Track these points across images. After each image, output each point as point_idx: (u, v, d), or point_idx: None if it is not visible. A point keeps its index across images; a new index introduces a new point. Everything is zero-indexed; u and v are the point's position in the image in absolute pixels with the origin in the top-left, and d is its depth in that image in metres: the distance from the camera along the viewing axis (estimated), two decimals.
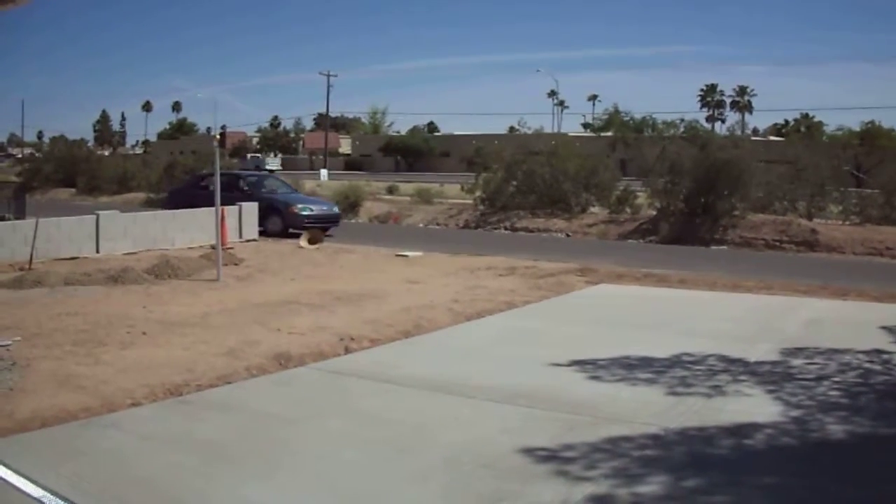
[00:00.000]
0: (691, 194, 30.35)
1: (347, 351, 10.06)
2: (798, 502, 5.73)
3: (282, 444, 6.69)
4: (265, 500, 5.62)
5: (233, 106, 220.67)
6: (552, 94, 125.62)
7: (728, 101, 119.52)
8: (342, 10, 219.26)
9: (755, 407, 7.94)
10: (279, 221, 26.85)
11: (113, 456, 6.33)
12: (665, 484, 5.88)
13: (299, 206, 27.73)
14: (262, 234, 25.61)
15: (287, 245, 21.86)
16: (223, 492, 5.75)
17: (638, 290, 15.92)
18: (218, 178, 16.91)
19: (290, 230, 26.20)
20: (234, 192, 27.13)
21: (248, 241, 23.20)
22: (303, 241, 21.85)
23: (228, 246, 19.79)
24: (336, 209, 29.70)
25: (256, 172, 32.61)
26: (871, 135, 78.27)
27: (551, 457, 6.38)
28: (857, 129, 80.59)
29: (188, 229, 21.87)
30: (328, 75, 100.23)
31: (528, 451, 6.47)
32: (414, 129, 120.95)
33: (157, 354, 9.43)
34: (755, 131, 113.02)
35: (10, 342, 9.79)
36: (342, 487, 5.85)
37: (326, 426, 7.21)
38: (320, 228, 26.49)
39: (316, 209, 28.05)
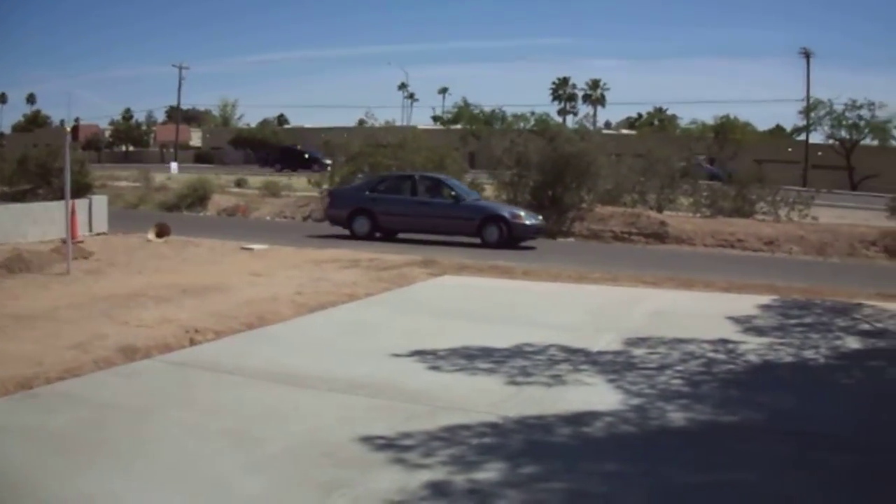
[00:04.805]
0: (538, 187, 30.97)
1: (192, 343, 10.13)
2: (636, 488, 5.98)
3: (129, 435, 6.76)
4: (114, 490, 5.70)
5: (87, 98, 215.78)
6: (402, 86, 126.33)
7: (580, 94, 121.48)
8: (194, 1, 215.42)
9: (595, 396, 8.24)
10: (498, 231, 24.83)
11: None
12: (502, 471, 6.08)
13: (524, 214, 25.97)
14: (480, 245, 24.41)
15: (135, 239, 21.58)
16: (72, 483, 5.81)
17: (481, 282, 16.23)
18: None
19: (511, 242, 24.65)
20: (436, 198, 26.06)
21: (98, 234, 22.84)
22: (150, 235, 21.62)
23: (79, 240, 19.58)
24: (541, 220, 26.90)
25: (445, 177, 29.42)
26: (724, 128, 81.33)
27: (390, 445, 6.55)
28: (712, 122, 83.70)
29: (40, 222, 21.40)
30: (180, 67, 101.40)
31: (367, 440, 6.64)
32: (264, 122, 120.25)
33: (7, 348, 9.31)
34: (607, 124, 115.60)
35: None
36: (187, 477, 5.96)
37: (172, 417, 7.29)
38: (535, 238, 25.60)
39: (535, 220, 26.00)
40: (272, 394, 8.14)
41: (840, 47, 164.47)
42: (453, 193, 26.23)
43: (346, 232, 25.85)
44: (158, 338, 10.05)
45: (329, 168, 38.93)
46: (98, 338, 9.89)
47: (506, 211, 25.78)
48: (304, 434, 6.86)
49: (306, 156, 73.64)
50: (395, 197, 26.34)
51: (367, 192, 26.64)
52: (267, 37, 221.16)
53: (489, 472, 6.03)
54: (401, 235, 25.80)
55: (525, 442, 6.80)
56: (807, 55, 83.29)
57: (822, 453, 6.84)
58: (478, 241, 24.76)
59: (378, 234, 25.80)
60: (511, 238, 24.76)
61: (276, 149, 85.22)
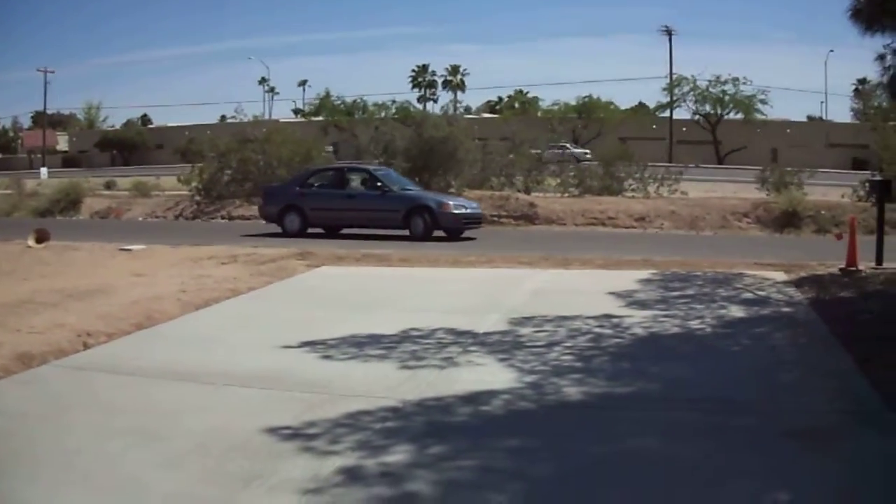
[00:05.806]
0: (405, 173, 31.20)
1: (86, 347, 10.06)
2: (543, 462, 6.18)
3: (38, 442, 6.70)
4: (28, 498, 5.68)
5: None
6: (263, 80, 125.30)
7: (440, 80, 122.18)
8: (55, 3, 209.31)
9: (489, 375, 8.46)
10: (423, 223, 23.96)
11: None
12: (410, 452, 6.23)
13: (452, 203, 24.99)
14: (406, 238, 23.57)
15: (15, 246, 21.21)
16: None
17: (360, 271, 16.40)
18: None
19: (439, 232, 24.05)
20: (369, 189, 25.24)
21: None
22: (30, 241, 21.34)
23: None
24: (479, 207, 26.43)
25: (375, 168, 28.07)
26: (588, 108, 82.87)
27: (296, 435, 6.65)
28: (574, 103, 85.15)
29: None
30: (45, 72, 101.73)
31: (273, 431, 6.72)
32: (128, 123, 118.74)
33: None
34: (468, 109, 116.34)
35: None
36: (102, 480, 5.96)
37: (78, 421, 7.23)
38: (472, 228, 24.79)
39: (468, 208, 25.25)
40: (173, 392, 8.16)
41: (701, 24, 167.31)
42: (379, 184, 25.36)
43: (279, 229, 25.26)
44: (53, 343, 9.96)
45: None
46: None
47: (431, 200, 24.85)
48: (210, 429, 6.90)
49: None
50: (323, 191, 25.74)
51: (297, 188, 25.99)
52: (129, 37, 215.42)
53: (398, 455, 6.16)
54: (345, 231, 25.29)
55: (427, 424, 6.95)
56: (668, 33, 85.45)
57: (721, 417, 7.15)
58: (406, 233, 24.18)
59: (311, 231, 25.08)
60: (440, 229, 24.15)
61: None
